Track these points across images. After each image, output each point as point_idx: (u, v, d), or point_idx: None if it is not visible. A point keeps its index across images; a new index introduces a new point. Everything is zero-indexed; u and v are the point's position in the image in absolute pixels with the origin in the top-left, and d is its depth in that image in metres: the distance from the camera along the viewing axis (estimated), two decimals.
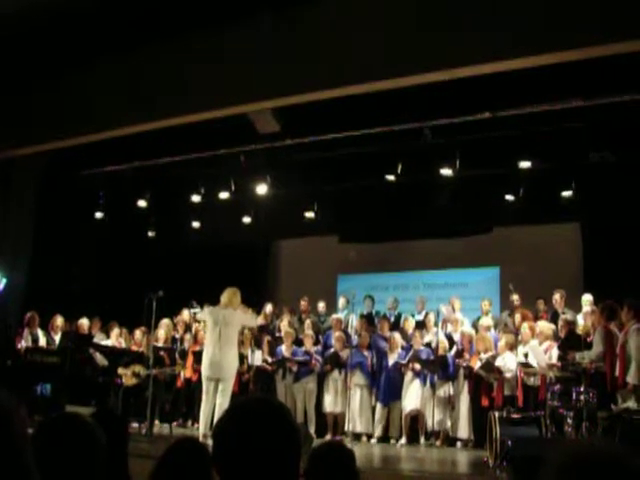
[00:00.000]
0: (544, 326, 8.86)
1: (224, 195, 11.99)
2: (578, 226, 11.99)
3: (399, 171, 10.56)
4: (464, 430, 9.23)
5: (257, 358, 10.09)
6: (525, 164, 9.96)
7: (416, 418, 9.57)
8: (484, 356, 9.06)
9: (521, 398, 8.44)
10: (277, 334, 10.87)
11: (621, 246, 10.55)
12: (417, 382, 9.53)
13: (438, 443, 9.35)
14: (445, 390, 9.44)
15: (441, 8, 6.39)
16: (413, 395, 9.50)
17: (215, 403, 8.15)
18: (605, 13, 5.63)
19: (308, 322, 10.82)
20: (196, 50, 7.67)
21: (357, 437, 9.71)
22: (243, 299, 8.66)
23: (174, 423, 10.07)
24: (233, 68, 7.36)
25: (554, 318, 9.54)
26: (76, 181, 12.22)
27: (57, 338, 10.55)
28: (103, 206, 12.79)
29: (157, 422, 9.77)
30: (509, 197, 10.88)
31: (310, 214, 12.34)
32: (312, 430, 9.53)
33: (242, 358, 9.31)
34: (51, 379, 9.25)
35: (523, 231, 12.30)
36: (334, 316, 10.95)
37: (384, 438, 9.72)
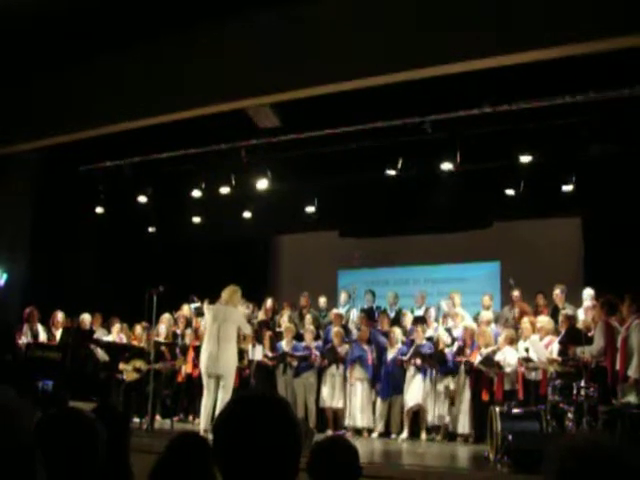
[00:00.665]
0: (545, 321, 8.87)
1: (225, 190, 11.98)
2: (579, 220, 11.99)
3: (399, 166, 10.54)
4: (465, 425, 9.24)
5: (258, 353, 10.10)
6: (525, 158, 9.94)
7: (417, 413, 9.58)
8: (484, 351, 9.07)
9: (521, 393, 8.46)
10: (277, 329, 10.87)
11: (622, 240, 10.55)
12: (419, 377, 9.54)
13: (439, 438, 9.36)
14: (446, 385, 9.44)
15: (441, 3, 6.37)
16: (415, 390, 9.51)
17: (216, 398, 8.16)
18: (605, 7, 5.62)
19: (309, 317, 10.82)
20: (196, 45, 7.65)
21: (358, 432, 9.72)
22: (244, 294, 8.68)
23: (175, 418, 10.08)
24: (233, 63, 7.35)
25: (554, 313, 9.54)
26: (76, 176, 12.22)
27: (58, 334, 10.55)
28: (103, 201, 12.77)
29: (158, 417, 9.79)
30: (509, 191, 10.87)
31: (310, 209, 12.33)
32: (312, 425, 9.53)
33: (242, 353, 9.32)
34: (52, 375, 9.26)
35: (523, 225, 12.31)
36: (334, 311, 10.96)
37: (385, 433, 9.74)
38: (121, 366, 9.55)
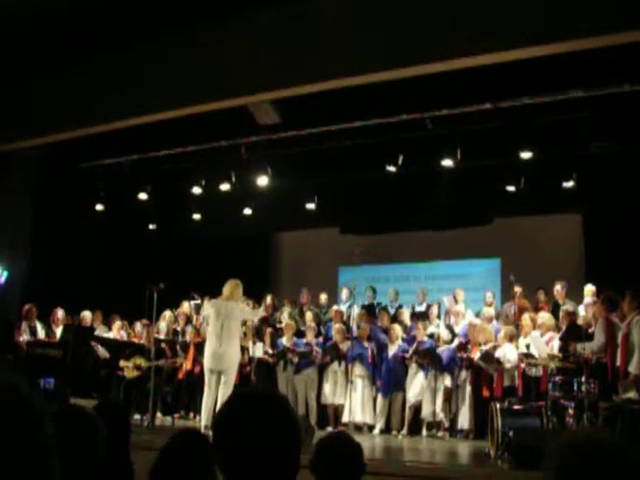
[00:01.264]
0: (545, 317, 8.87)
1: (225, 187, 11.97)
2: (579, 217, 11.98)
3: (400, 162, 10.54)
4: (465, 421, 9.25)
5: (258, 350, 10.10)
6: (526, 155, 9.93)
7: (418, 409, 9.59)
8: (484, 347, 9.08)
9: (522, 389, 8.46)
10: (278, 326, 10.88)
11: (622, 237, 10.54)
12: (421, 374, 9.54)
13: (439, 434, 9.37)
14: (446, 381, 9.44)
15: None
16: (417, 387, 9.52)
17: (217, 395, 8.17)
18: (605, 3, 5.62)
19: (310, 314, 10.82)
20: (196, 42, 7.65)
21: (358, 428, 9.72)
22: (244, 291, 8.67)
23: (176, 415, 10.09)
24: (233, 60, 7.34)
25: (555, 309, 9.55)
26: (76, 173, 12.22)
27: (58, 331, 10.56)
28: (103, 198, 12.78)
29: (159, 414, 9.80)
30: (510, 188, 10.86)
31: (311, 206, 12.33)
32: (313, 422, 9.54)
33: (243, 350, 9.32)
34: (53, 372, 9.27)
35: (524, 222, 12.30)
36: (334, 307, 10.96)
37: (385, 429, 9.74)
38: (122, 363, 9.55)
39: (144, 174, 12.28)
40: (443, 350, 9.51)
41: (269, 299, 11.60)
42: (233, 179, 11.87)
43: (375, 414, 9.79)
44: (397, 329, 9.91)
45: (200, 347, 9.17)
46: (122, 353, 9.69)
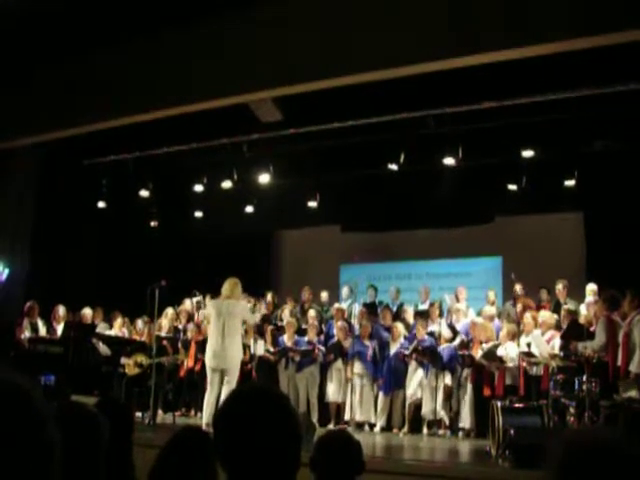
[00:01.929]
0: (546, 316, 8.87)
1: (227, 185, 11.97)
2: (581, 215, 11.97)
3: (401, 160, 10.53)
4: (466, 419, 9.25)
5: (260, 348, 10.10)
6: (528, 153, 9.93)
7: (419, 407, 9.59)
8: (486, 345, 9.08)
9: (523, 387, 8.46)
10: (279, 324, 10.88)
11: (624, 236, 10.53)
12: (420, 372, 9.55)
13: (440, 432, 9.37)
14: (447, 380, 9.44)
15: None
16: (416, 384, 9.52)
17: (219, 393, 8.17)
18: (609, 1, 5.61)
19: (312, 312, 10.82)
20: (198, 40, 7.64)
21: (359, 426, 9.72)
22: (245, 289, 8.67)
23: (177, 413, 10.10)
24: (235, 57, 7.34)
25: (556, 308, 9.54)
26: (79, 170, 12.23)
27: (59, 328, 10.57)
28: (105, 195, 12.78)
29: (160, 412, 9.80)
30: (512, 186, 10.86)
31: (312, 204, 12.32)
32: (315, 419, 9.54)
33: (245, 347, 9.32)
34: (55, 369, 9.27)
35: (526, 221, 12.30)
36: (336, 305, 10.96)
37: (386, 427, 9.75)
38: (123, 360, 9.55)
39: (146, 171, 12.29)
40: (444, 348, 9.51)
41: (270, 297, 11.60)
42: (235, 177, 11.88)
43: (375, 412, 9.80)
44: (399, 327, 9.92)
45: (201, 344, 9.17)
46: (123, 350, 9.69)
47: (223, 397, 7.94)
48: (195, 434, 2.57)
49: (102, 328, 11.34)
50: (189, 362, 10.44)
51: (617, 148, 9.74)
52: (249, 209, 12.74)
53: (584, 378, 7.13)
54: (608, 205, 10.82)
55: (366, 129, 9.96)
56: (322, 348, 10.10)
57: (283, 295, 12.13)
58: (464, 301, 10.56)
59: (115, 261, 13.42)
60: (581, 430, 2.36)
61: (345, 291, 11.69)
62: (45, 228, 11.10)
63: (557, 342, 8.33)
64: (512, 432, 6.69)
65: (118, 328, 11.13)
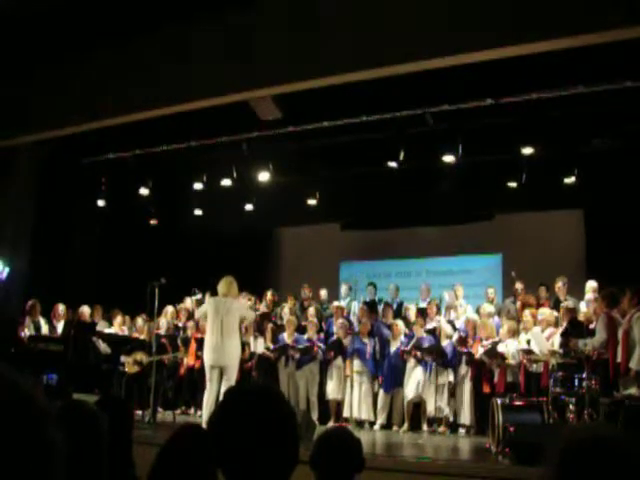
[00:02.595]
0: (546, 313, 8.87)
1: (226, 182, 11.97)
2: (581, 213, 11.98)
3: (401, 158, 10.53)
4: (466, 417, 9.26)
5: (259, 346, 10.11)
6: (527, 150, 9.92)
7: (418, 405, 9.60)
8: (486, 342, 9.08)
9: (523, 384, 8.47)
10: (279, 322, 10.88)
11: (624, 233, 10.53)
12: (419, 369, 9.55)
13: (440, 430, 9.38)
14: (447, 377, 9.45)
15: None
16: (415, 382, 9.52)
17: (219, 390, 8.17)
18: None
19: (312, 310, 10.81)
20: (198, 36, 7.63)
21: (360, 424, 9.73)
22: (245, 286, 8.66)
23: (177, 411, 10.10)
24: (235, 54, 7.33)
25: (556, 305, 9.54)
26: (78, 168, 12.22)
27: (59, 326, 10.57)
28: (105, 193, 12.78)
29: (160, 409, 9.81)
30: (511, 184, 10.85)
31: (312, 201, 12.32)
32: (315, 417, 9.55)
33: (244, 346, 9.32)
34: (55, 367, 9.27)
35: (525, 218, 12.30)
36: (335, 303, 10.95)
37: (386, 425, 9.75)
38: (123, 358, 9.55)
39: (146, 170, 12.28)
40: (446, 345, 9.52)
41: (270, 294, 11.60)
42: (234, 175, 11.87)
43: (374, 410, 9.81)
44: (400, 325, 9.92)
45: (201, 342, 9.16)
46: (123, 348, 9.70)
47: (223, 394, 7.95)
48: (195, 432, 2.57)
49: (102, 326, 11.33)
50: (189, 360, 10.44)
51: (617, 145, 9.74)
52: (249, 207, 12.74)
53: (584, 375, 7.14)
54: (608, 203, 10.82)
55: (365, 127, 9.96)
56: (322, 346, 10.10)
57: (283, 293, 12.12)
58: (462, 298, 10.56)
59: (115, 259, 13.41)
60: (580, 427, 2.36)
61: (344, 289, 11.69)
62: (45, 226, 11.09)
63: (557, 339, 8.33)
64: (512, 429, 6.69)
65: (118, 326, 11.13)
